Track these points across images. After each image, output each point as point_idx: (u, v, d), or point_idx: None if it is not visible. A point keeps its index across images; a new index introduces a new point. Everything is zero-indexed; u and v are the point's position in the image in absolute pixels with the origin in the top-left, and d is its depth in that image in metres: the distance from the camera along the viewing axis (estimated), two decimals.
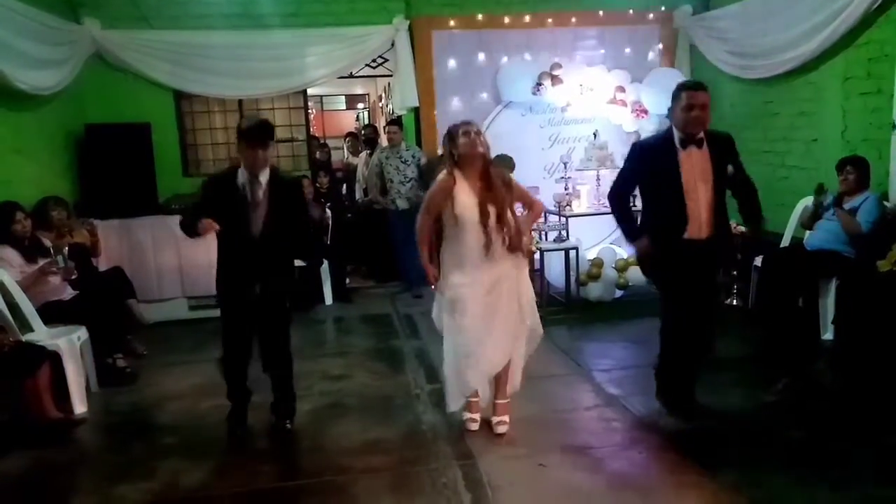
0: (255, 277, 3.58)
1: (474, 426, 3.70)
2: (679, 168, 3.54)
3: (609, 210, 4.01)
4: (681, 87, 3.61)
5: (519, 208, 3.72)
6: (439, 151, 6.90)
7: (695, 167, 3.55)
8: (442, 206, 3.54)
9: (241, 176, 3.55)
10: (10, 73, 4.93)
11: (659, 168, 3.60)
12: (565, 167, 6.39)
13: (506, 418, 3.71)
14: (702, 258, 3.61)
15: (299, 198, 3.88)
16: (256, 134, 3.47)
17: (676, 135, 3.58)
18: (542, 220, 6.14)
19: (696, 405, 3.80)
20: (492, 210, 3.48)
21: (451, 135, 3.55)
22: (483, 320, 3.54)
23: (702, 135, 3.57)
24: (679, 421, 3.72)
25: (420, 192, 6.80)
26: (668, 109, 3.72)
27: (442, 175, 3.58)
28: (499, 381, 3.70)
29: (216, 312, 3.87)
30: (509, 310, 3.61)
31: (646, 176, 3.70)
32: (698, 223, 3.56)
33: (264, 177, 3.57)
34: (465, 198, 3.50)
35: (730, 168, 3.58)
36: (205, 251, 5.95)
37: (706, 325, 3.73)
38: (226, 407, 3.85)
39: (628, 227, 3.86)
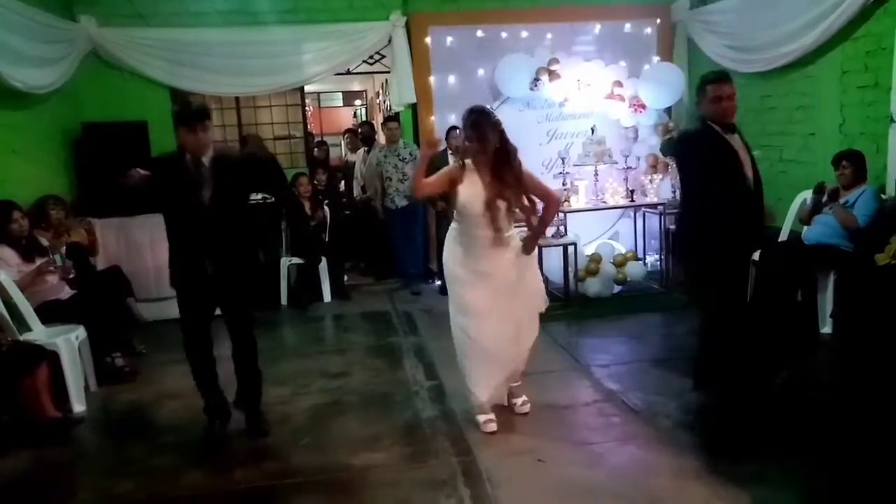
0: (207, 256, 3.52)
1: (492, 427, 3.61)
2: (738, 156, 3.52)
3: (606, 206, 3.99)
4: (704, 82, 3.63)
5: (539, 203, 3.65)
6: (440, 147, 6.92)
7: (740, 154, 3.56)
8: (446, 188, 3.57)
9: (187, 160, 3.50)
10: (6, 71, 4.92)
11: (720, 158, 3.51)
12: (563, 162, 6.38)
13: (525, 397, 3.83)
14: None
15: (250, 174, 3.74)
16: (193, 114, 3.44)
17: (715, 127, 3.58)
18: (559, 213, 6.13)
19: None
20: (501, 205, 3.44)
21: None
22: (494, 324, 3.53)
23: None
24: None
25: None
26: (696, 105, 3.74)
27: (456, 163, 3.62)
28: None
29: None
30: (522, 305, 3.61)
31: (710, 169, 3.56)
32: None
33: (207, 158, 3.51)
34: (470, 189, 3.48)
35: (757, 153, 3.54)
36: None
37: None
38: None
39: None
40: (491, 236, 3.50)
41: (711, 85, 3.55)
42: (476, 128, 3.44)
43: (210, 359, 3.77)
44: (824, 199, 4.97)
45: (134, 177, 3.46)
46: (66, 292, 4.79)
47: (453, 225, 3.67)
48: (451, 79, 7.26)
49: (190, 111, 3.47)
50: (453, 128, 6.69)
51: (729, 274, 3.65)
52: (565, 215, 6.16)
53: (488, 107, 3.59)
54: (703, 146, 3.61)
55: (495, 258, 3.54)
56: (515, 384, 3.84)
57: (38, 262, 4.57)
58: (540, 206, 3.63)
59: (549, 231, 6.08)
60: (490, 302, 3.53)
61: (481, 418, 3.65)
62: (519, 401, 3.83)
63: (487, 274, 3.54)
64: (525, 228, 3.71)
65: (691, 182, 3.75)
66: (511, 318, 3.58)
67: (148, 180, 3.49)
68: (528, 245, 3.61)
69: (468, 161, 3.54)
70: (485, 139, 3.43)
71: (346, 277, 7.18)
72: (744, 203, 3.55)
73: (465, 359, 3.63)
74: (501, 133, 3.48)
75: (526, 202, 3.57)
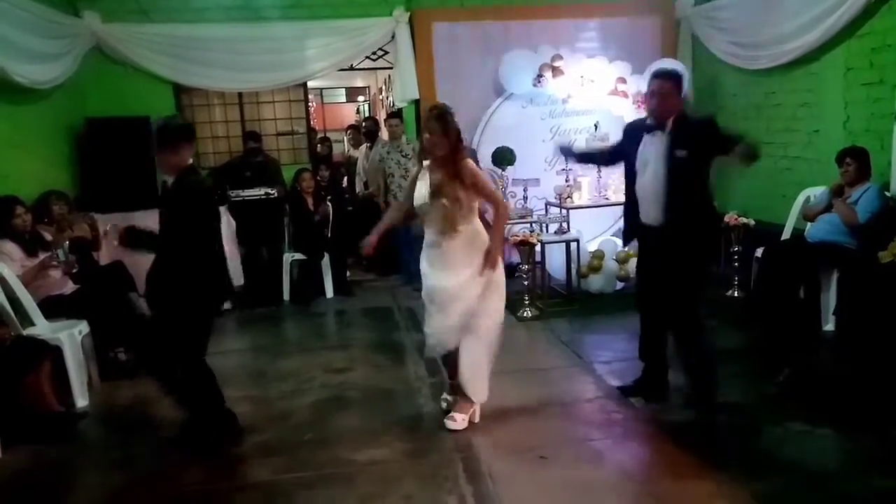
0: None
1: (444, 405, 3.80)
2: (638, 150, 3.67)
3: (609, 203, 4.03)
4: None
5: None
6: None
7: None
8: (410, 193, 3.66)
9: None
10: (10, 66, 4.92)
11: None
12: (566, 159, 6.36)
13: (455, 415, 3.64)
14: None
15: (178, 209, 3.44)
16: (157, 136, 3.43)
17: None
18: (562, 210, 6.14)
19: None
20: (444, 200, 3.44)
21: None
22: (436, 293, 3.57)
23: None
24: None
25: None
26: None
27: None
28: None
29: None
30: (465, 305, 3.54)
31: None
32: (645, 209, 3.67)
33: (170, 181, 3.47)
34: (421, 188, 3.56)
35: (678, 153, 3.50)
36: None
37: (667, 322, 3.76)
38: (228, 400, 3.83)
39: None
40: (443, 242, 3.50)
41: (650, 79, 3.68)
42: (440, 120, 3.45)
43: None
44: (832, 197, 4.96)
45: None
46: (69, 287, 4.80)
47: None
48: (455, 75, 7.24)
49: (158, 132, 3.43)
50: None
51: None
52: (568, 212, 6.16)
53: (446, 103, 3.66)
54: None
55: (449, 272, 3.51)
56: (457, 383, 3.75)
57: (41, 256, 4.58)
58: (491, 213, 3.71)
59: (552, 227, 6.09)
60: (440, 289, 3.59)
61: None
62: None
63: (442, 288, 3.54)
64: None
65: None
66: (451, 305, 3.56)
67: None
68: (487, 260, 3.48)
69: (426, 161, 3.58)
70: (448, 132, 3.44)
71: (348, 273, 7.18)
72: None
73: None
74: (458, 131, 3.51)
75: (470, 202, 3.51)
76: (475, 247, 3.52)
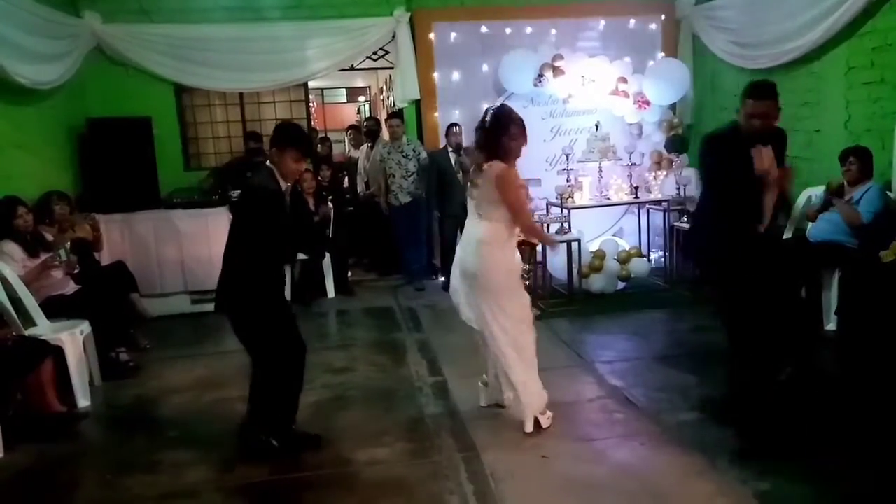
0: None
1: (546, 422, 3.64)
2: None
3: (610, 203, 4.07)
4: (744, 92, 3.75)
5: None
6: (441, 143, 6.91)
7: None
8: None
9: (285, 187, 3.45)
10: (11, 67, 4.93)
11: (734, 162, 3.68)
12: (567, 159, 6.36)
13: (525, 423, 3.60)
14: None
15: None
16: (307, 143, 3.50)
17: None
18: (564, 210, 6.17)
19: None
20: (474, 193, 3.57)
21: None
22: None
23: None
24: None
25: (421, 186, 6.81)
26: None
27: None
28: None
29: None
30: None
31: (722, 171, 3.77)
32: None
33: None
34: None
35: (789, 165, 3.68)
36: (206, 246, 6.00)
37: None
38: (229, 400, 3.86)
39: None
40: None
41: (749, 100, 3.65)
42: (520, 124, 3.56)
43: None
44: (829, 195, 4.96)
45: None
46: (71, 287, 4.81)
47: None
48: (455, 75, 7.25)
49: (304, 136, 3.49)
50: (453, 124, 6.70)
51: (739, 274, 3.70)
52: (569, 212, 6.15)
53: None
54: (720, 149, 3.75)
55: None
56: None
57: (43, 257, 4.59)
58: None
59: (553, 227, 6.08)
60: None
61: (549, 414, 3.65)
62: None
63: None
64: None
65: (707, 181, 3.91)
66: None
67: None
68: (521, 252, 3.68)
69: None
70: (523, 136, 3.56)
71: (349, 273, 7.19)
72: (740, 209, 3.66)
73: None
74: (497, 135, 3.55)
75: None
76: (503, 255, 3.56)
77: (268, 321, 3.39)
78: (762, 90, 3.68)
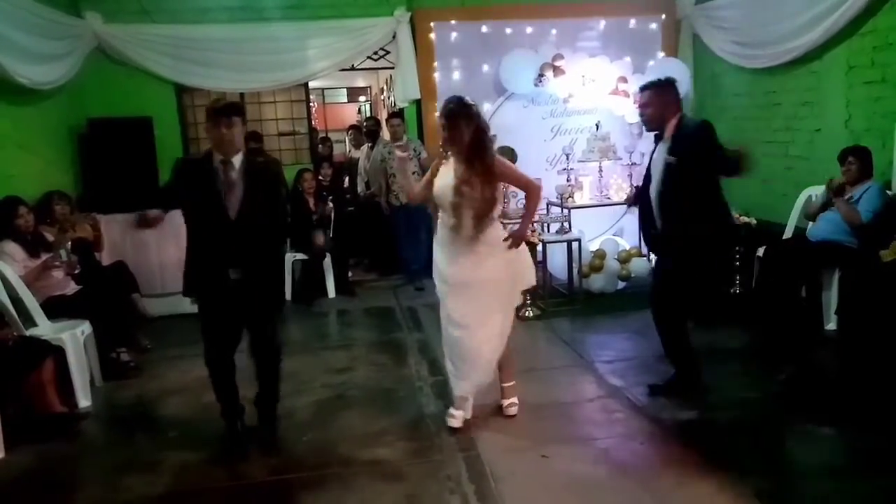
0: (233, 263, 3.38)
1: (455, 423, 3.61)
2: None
3: (610, 202, 4.13)
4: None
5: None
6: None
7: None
8: (430, 179, 3.60)
9: (215, 159, 3.45)
10: (11, 67, 4.93)
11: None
12: (567, 159, 6.37)
13: (514, 400, 3.78)
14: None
15: (275, 180, 3.70)
16: (220, 110, 3.43)
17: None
18: (542, 205, 6.08)
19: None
20: (468, 193, 3.39)
21: None
22: (467, 316, 3.53)
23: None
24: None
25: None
26: None
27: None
28: (500, 365, 3.72)
29: None
30: (495, 299, 3.56)
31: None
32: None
33: (237, 160, 3.48)
34: (443, 179, 3.50)
35: (668, 159, 3.64)
36: None
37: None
38: None
39: None
40: (465, 236, 3.46)
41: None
42: (450, 118, 3.42)
43: (230, 369, 3.61)
44: (829, 194, 4.95)
45: (155, 218, 3.63)
46: (72, 288, 4.81)
47: (438, 223, 3.65)
48: (456, 75, 7.25)
49: (217, 105, 3.47)
50: None
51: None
52: (569, 211, 6.16)
53: (467, 98, 3.49)
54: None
55: (471, 264, 3.49)
56: (508, 384, 3.80)
57: (44, 257, 4.59)
58: (516, 203, 3.74)
59: (553, 227, 6.09)
60: (465, 311, 3.53)
61: (449, 410, 3.69)
62: (506, 402, 3.79)
63: (463, 283, 3.51)
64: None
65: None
66: (484, 317, 3.55)
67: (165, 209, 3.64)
68: (514, 238, 3.54)
69: (449, 153, 3.53)
70: (457, 129, 3.39)
71: (350, 273, 7.19)
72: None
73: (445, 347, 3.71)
74: (477, 124, 3.42)
75: (496, 194, 3.48)
76: (496, 251, 3.52)
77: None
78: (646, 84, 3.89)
